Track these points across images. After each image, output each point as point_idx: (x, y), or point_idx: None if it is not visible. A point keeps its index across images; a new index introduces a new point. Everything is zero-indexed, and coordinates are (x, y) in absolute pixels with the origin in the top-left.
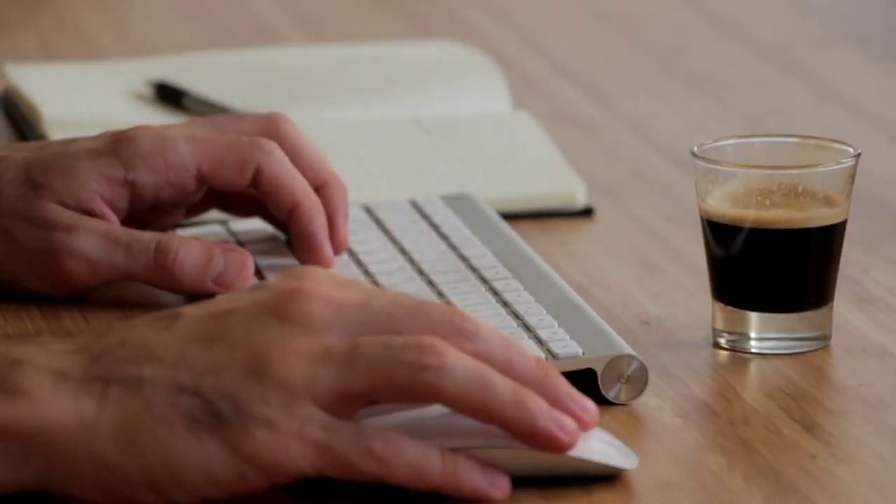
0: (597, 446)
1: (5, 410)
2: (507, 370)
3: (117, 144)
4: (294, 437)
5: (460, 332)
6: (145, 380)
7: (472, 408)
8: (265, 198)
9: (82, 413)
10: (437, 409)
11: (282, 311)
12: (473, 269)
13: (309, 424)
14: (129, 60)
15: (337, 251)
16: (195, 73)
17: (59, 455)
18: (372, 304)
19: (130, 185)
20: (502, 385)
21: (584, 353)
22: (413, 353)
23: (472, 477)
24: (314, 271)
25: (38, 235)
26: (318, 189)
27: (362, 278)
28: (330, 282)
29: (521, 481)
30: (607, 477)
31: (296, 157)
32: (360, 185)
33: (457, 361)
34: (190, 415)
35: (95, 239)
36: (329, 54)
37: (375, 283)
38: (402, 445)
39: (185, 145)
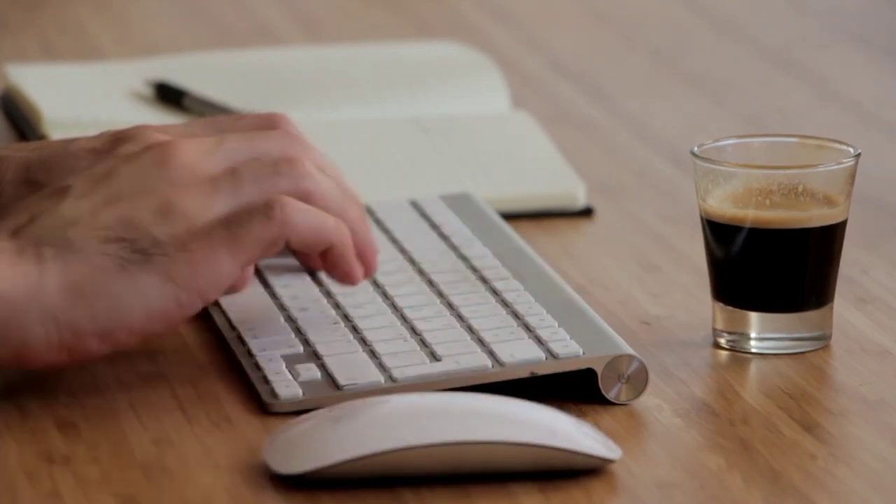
0: (583, 440)
1: None
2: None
3: (117, 145)
4: (207, 250)
5: (305, 150)
6: (72, 238)
7: (336, 209)
8: None
9: (28, 276)
10: (435, 400)
11: (159, 160)
12: (473, 269)
13: (213, 233)
14: (129, 60)
15: None
16: (195, 73)
17: (14, 318)
18: (225, 142)
19: None
20: (350, 195)
21: (584, 353)
22: (286, 166)
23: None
24: (152, 128)
25: None
26: None
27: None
28: (177, 132)
29: (521, 479)
30: (606, 476)
31: None
32: (360, 185)
33: (316, 172)
34: (120, 257)
35: None
36: (329, 54)
37: (376, 283)
38: (297, 207)
39: None
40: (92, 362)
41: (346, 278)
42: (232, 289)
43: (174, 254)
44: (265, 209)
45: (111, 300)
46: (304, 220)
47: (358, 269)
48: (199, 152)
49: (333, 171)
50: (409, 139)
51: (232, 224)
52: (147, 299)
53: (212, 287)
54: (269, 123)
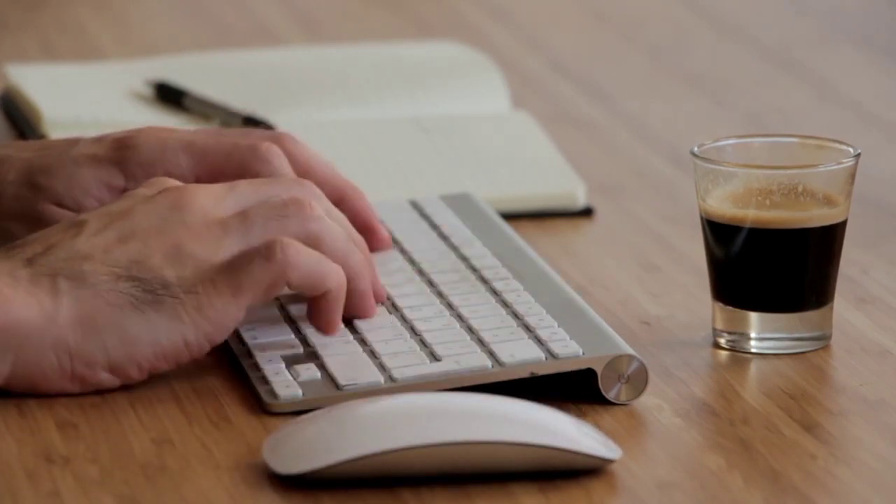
0: (583, 440)
1: None
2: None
3: (119, 153)
4: (212, 294)
5: (313, 196)
6: (86, 272)
7: (342, 253)
8: None
9: (43, 306)
10: (435, 400)
11: (174, 204)
12: (473, 269)
13: (217, 278)
14: (129, 60)
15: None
16: (195, 73)
17: (29, 346)
18: (236, 188)
19: None
20: (356, 242)
21: (584, 353)
22: (294, 208)
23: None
24: (169, 179)
25: None
26: (339, 203)
27: None
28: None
29: (521, 479)
30: (606, 476)
31: (307, 175)
32: (360, 185)
33: (324, 216)
34: (132, 295)
35: None
36: (329, 54)
37: None
38: (298, 248)
39: (184, 155)
40: (104, 393)
41: (326, 327)
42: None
43: (182, 296)
44: (266, 251)
45: (122, 336)
46: (305, 262)
47: (339, 323)
48: (212, 198)
49: (340, 216)
50: (409, 139)
51: (233, 268)
52: (156, 338)
53: (218, 330)
54: (275, 139)
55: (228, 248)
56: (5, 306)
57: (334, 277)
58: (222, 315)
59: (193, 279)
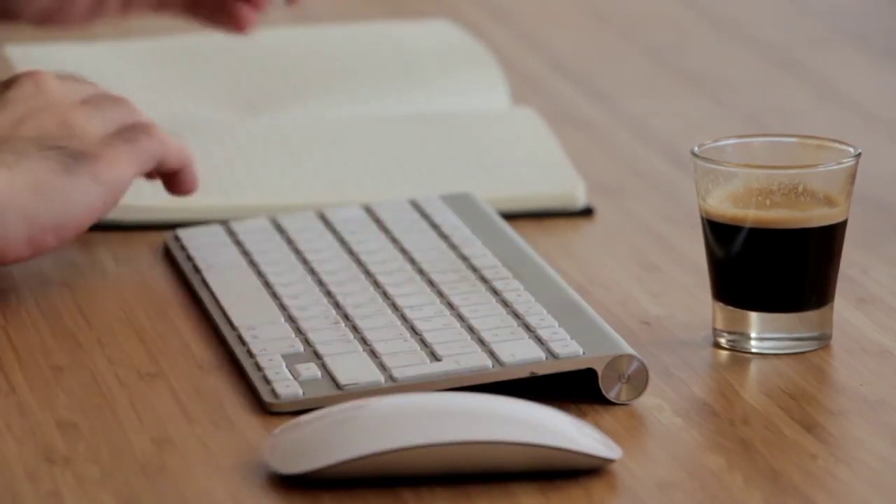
0: (583, 440)
1: None
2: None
3: None
4: (114, 157)
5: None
6: (18, 147)
7: (178, 150)
8: None
9: (2, 175)
10: (435, 400)
11: (43, 89)
12: (473, 269)
13: (115, 144)
14: (127, 40)
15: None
16: (195, 59)
17: (2, 215)
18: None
19: None
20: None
21: (584, 353)
22: (116, 100)
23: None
24: (32, 71)
25: None
26: None
27: (362, 278)
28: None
29: (521, 479)
30: (606, 476)
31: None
32: (360, 184)
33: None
34: (60, 160)
35: None
36: (329, 51)
37: (376, 283)
38: (162, 129)
39: None
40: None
41: (192, 189)
42: None
43: (93, 159)
44: (145, 128)
45: (62, 197)
46: (172, 140)
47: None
48: (57, 80)
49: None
50: (409, 137)
51: (124, 139)
52: (86, 197)
53: (121, 189)
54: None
55: (108, 119)
56: None
57: (190, 152)
58: (124, 175)
59: (94, 147)
